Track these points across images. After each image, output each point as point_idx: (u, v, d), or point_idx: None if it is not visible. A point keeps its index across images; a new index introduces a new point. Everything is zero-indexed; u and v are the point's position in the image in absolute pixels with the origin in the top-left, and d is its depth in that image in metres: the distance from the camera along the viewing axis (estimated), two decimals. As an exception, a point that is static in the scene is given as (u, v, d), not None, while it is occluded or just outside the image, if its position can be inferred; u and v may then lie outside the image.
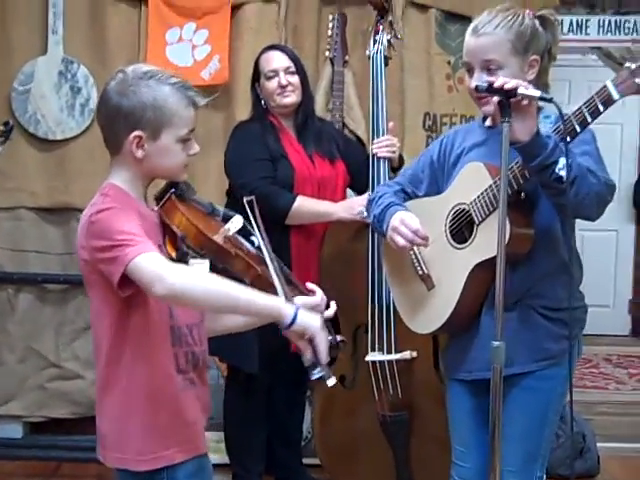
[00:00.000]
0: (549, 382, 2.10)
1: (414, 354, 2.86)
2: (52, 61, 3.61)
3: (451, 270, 2.11)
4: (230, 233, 1.77)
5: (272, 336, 2.76)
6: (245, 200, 1.85)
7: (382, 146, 2.93)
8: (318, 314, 1.69)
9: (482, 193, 2.02)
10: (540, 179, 1.90)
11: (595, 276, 6.44)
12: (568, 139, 1.85)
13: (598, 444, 3.66)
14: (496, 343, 1.80)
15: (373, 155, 2.94)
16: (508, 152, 1.80)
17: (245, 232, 1.83)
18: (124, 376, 1.71)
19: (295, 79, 2.99)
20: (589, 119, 1.85)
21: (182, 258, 1.72)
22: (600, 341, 6.30)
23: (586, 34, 3.65)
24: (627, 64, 1.82)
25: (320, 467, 3.19)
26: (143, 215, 1.71)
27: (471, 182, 2.08)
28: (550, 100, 1.82)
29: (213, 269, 1.74)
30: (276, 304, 1.65)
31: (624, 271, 6.76)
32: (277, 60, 2.99)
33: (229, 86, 3.56)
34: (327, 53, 3.35)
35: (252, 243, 1.83)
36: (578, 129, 1.86)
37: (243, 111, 3.31)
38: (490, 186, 2.00)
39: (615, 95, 1.81)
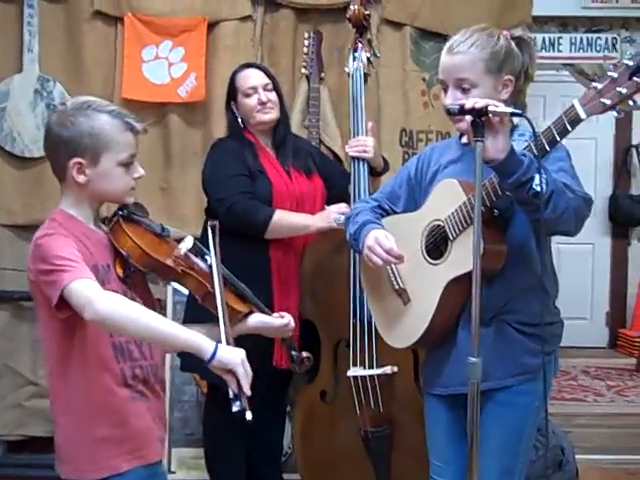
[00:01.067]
0: (526, 397, 2.10)
1: (395, 369, 2.86)
2: (28, 79, 3.60)
3: (426, 285, 2.13)
4: (181, 252, 1.86)
5: (252, 353, 2.81)
6: (209, 224, 1.94)
7: (353, 146, 2.97)
8: (240, 350, 1.74)
9: (456, 210, 2.04)
10: (517, 196, 1.91)
11: (572, 289, 6.52)
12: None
13: (577, 456, 3.67)
14: (473, 359, 1.82)
15: (351, 158, 2.98)
16: (482, 170, 1.82)
17: (200, 251, 1.92)
18: (69, 390, 1.79)
19: (273, 96, 3.01)
20: (558, 138, 1.87)
21: (129, 276, 1.83)
22: (578, 353, 6.34)
23: (559, 51, 3.69)
24: (593, 84, 1.84)
25: (300, 483, 3.19)
26: (89, 237, 1.81)
27: (445, 198, 2.09)
28: (521, 114, 1.84)
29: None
30: (197, 341, 1.71)
31: (601, 284, 6.81)
32: (255, 77, 3.00)
33: (206, 103, 3.57)
34: (303, 70, 3.38)
35: (206, 262, 1.91)
36: (548, 148, 1.88)
37: (220, 128, 3.32)
38: (464, 202, 2.02)
39: (582, 114, 1.83)
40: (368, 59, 3.04)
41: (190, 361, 2.48)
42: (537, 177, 1.85)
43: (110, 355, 1.78)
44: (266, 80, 3.01)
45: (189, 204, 3.58)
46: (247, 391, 1.71)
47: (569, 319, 6.68)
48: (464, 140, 2.21)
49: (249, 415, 1.70)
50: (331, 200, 3.09)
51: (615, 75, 1.81)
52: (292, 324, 2.05)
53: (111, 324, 1.66)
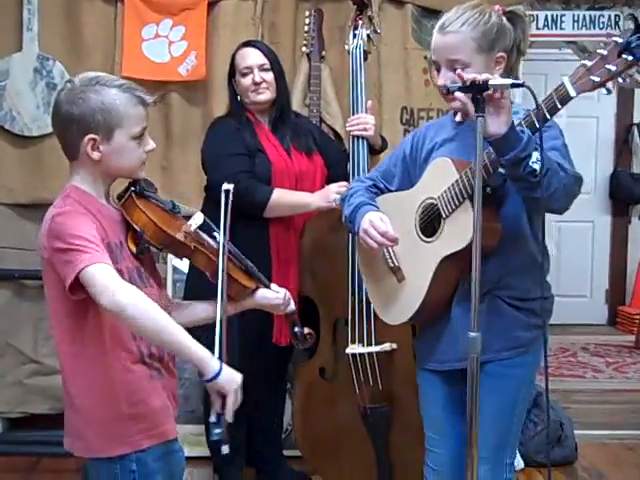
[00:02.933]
0: (519, 369, 2.14)
1: (394, 346, 2.88)
2: (27, 58, 3.59)
3: (420, 262, 2.14)
4: (191, 229, 1.85)
5: (252, 329, 2.83)
6: (224, 188, 1.92)
7: (354, 124, 2.96)
8: (238, 375, 1.75)
9: (449, 187, 2.04)
10: (513, 173, 1.90)
11: (572, 267, 6.57)
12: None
13: (576, 431, 3.71)
14: (472, 334, 1.83)
15: (351, 136, 2.97)
16: (483, 147, 1.82)
17: (209, 229, 1.92)
18: (84, 370, 1.78)
19: (269, 76, 3.00)
20: (548, 115, 1.87)
21: (142, 252, 1.83)
22: (578, 330, 6.38)
23: (561, 29, 3.67)
24: (583, 61, 1.86)
25: (301, 459, 3.21)
26: (103, 213, 1.79)
27: (439, 176, 2.10)
28: (522, 85, 1.84)
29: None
30: (206, 357, 1.71)
31: (601, 261, 6.82)
32: (251, 57, 2.99)
33: (206, 82, 3.57)
34: (304, 49, 3.37)
35: (215, 239, 1.91)
36: (537, 125, 1.87)
37: (220, 107, 3.32)
38: (457, 180, 2.02)
39: (572, 92, 1.83)
40: (368, 36, 3.03)
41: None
42: (534, 154, 1.85)
43: (126, 334, 1.77)
44: (263, 60, 2.99)
45: (189, 182, 3.58)
46: (229, 418, 1.71)
47: (569, 296, 6.75)
48: (458, 118, 2.20)
49: (225, 449, 1.71)
50: (331, 179, 3.09)
51: (604, 52, 1.82)
52: (289, 298, 2.07)
53: (128, 317, 1.64)
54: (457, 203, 2.02)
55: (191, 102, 3.59)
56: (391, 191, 2.33)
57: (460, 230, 1.95)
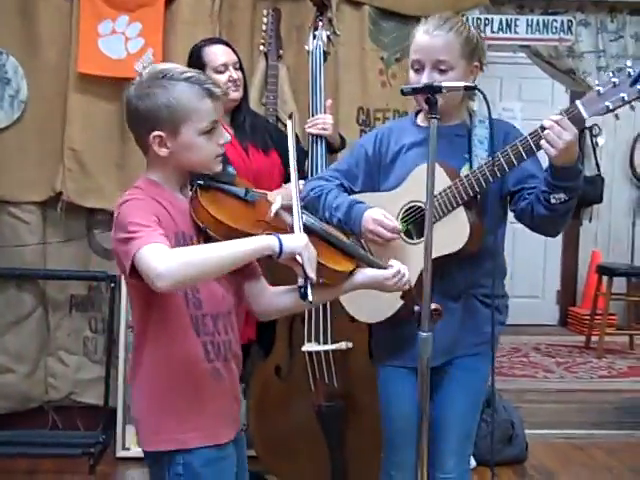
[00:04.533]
0: (484, 363, 2.22)
1: (350, 345, 2.89)
2: (-20, 52, 3.55)
3: (405, 264, 2.15)
4: (271, 215, 1.79)
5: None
6: (288, 114, 1.90)
7: (313, 124, 2.98)
8: (302, 235, 1.72)
9: (440, 193, 2.11)
10: (559, 197, 2.04)
11: (525, 268, 6.66)
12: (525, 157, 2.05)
13: (526, 431, 3.75)
14: (424, 334, 1.87)
15: (309, 135, 2.99)
16: (436, 147, 1.86)
17: (290, 207, 1.82)
18: (148, 360, 1.76)
19: (240, 74, 3.00)
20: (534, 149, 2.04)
21: None
22: (530, 331, 6.47)
23: (515, 33, 3.72)
24: (597, 87, 1.97)
25: (256, 458, 3.20)
26: (174, 205, 1.75)
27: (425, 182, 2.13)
28: (475, 88, 1.90)
29: None
30: (264, 241, 1.67)
31: (552, 263, 6.93)
32: (226, 54, 2.98)
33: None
34: (261, 47, 3.37)
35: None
36: (535, 149, 2.04)
37: (177, 104, 3.29)
38: (450, 187, 2.11)
39: (585, 114, 1.97)
40: (328, 37, 3.05)
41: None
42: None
43: (189, 328, 1.74)
44: (235, 58, 2.99)
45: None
46: (311, 274, 1.69)
47: (521, 297, 6.81)
48: (421, 122, 2.27)
49: (310, 296, 1.68)
50: (288, 177, 3.09)
51: (617, 81, 1.93)
52: (402, 274, 1.89)
53: (181, 279, 1.58)
54: (449, 208, 2.12)
55: (145, 99, 3.55)
56: (355, 192, 2.35)
57: (452, 235, 2.04)
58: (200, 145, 1.74)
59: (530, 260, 6.73)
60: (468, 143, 2.20)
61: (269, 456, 3.10)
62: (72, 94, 3.57)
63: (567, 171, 2.01)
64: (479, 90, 1.86)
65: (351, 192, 2.36)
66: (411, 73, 2.19)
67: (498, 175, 2.07)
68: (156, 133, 1.71)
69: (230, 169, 1.84)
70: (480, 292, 2.22)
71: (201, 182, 1.77)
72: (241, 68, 3.01)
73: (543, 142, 1.97)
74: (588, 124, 6.54)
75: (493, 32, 3.73)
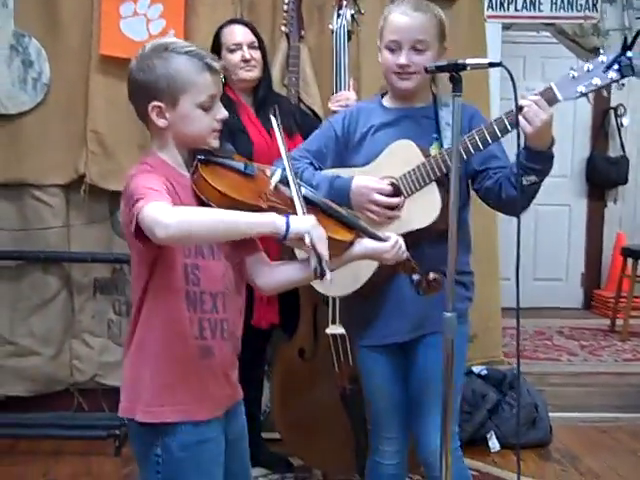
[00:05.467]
0: (458, 339, 2.17)
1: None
2: (3, 34, 3.54)
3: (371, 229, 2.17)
4: (271, 187, 1.81)
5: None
6: (270, 110, 1.97)
7: (336, 100, 2.96)
8: (309, 216, 1.74)
9: (413, 169, 2.19)
10: (530, 177, 2.10)
11: (548, 250, 6.62)
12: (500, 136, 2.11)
13: (550, 414, 3.74)
14: (448, 314, 1.88)
15: (332, 112, 2.94)
16: (460, 128, 1.86)
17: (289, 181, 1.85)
18: (141, 332, 1.78)
19: (257, 54, 2.99)
20: (509, 128, 2.10)
21: None
22: (553, 314, 6.44)
23: (539, 11, 3.68)
24: (571, 72, 2.05)
25: (279, 441, 3.22)
26: (178, 181, 1.77)
27: (399, 158, 2.21)
28: (500, 64, 1.88)
29: None
30: (270, 218, 1.69)
31: (576, 245, 6.87)
32: (241, 34, 2.98)
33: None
34: (283, 28, 3.34)
35: (299, 190, 1.83)
36: (509, 128, 2.09)
37: (199, 85, 3.29)
38: (423, 163, 2.17)
39: (559, 96, 2.05)
40: (352, 16, 3.03)
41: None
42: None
43: (182, 303, 1.75)
44: (252, 38, 2.98)
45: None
46: (324, 253, 1.71)
47: (545, 280, 6.78)
48: (387, 104, 2.34)
49: (329, 275, 1.71)
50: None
51: (591, 67, 2.01)
52: (399, 245, 1.93)
53: (185, 235, 1.60)
54: (422, 184, 2.19)
55: (169, 81, 3.54)
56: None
57: (423, 210, 2.12)
58: (197, 117, 1.78)
59: (554, 243, 6.69)
60: (436, 124, 2.26)
61: (292, 438, 3.11)
62: (94, 76, 3.57)
63: (540, 154, 2.08)
64: (504, 66, 1.84)
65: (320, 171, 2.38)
66: (386, 53, 2.26)
67: (473, 152, 2.13)
68: (155, 103, 1.75)
69: (229, 146, 1.87)
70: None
71: (201, 157, 1.80)
72: (260, 48, 2.99)
73: (521, 119, 2.02)
74: (613, 104, 6.47)
75: (517, 10, 3.69)
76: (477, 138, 2.12)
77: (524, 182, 2.10)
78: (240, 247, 1.86)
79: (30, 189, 3.64)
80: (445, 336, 1.88)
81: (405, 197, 2.21)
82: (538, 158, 2.08)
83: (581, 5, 3.67)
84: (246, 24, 3.05)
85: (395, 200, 2.22)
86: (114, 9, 3.52)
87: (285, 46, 3.40)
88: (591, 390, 4.62)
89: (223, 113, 1.82)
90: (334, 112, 2.96)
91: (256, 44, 3.00)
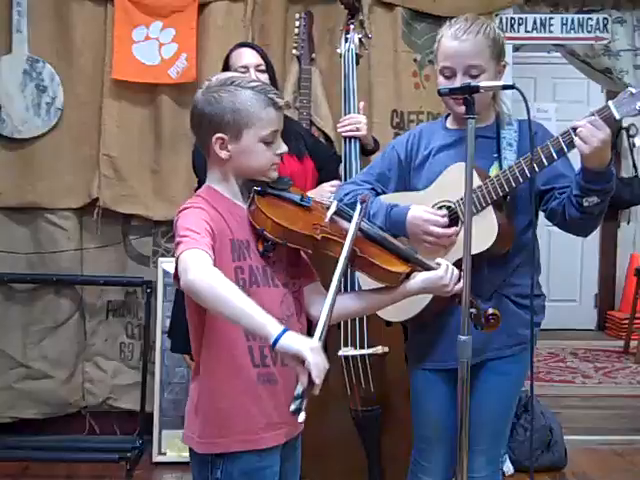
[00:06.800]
0: (519, 365, 2.23)
1: (386, 349, 2.86)
2: (17, 60, 3.58)
3: (432, 263, 2.14)
4: (326, 219, 1.82)
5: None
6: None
7: (346, 124, 2.96)
8: (310, 340, 1.60)
9: None
10: (592, 199, 2.04)
11: (562, 271, 6.57)
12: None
13: (565, 437, 3.70)
14: (463, 337, 1.85)
15: (343, 137, 2.97)
16: (474, 148, 1.85)
17: (348, 215, 1.86)
18: (202, 363, 1.80)
19: (265, 77, 2.99)
20: (565, 149, 2.02)
21: (267, 251, 1.80)
22: (567, 335, 6.39)
23: (550, 32, 3.68)
24: (629, 88, 1.97)
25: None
26: (232, 212, 1.80)
27: (456, 182, 2.09)
28: (513, 87, 1.87)
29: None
30: (263, 324, 1.58)
31: (590, 266, 6.83)
32: (248, 56, 2.99)
33: (197, 84, 3.53)
34: (294, 51, 3.35)
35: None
36: (566, 149, 2.02)
37: (211, 109, 3.30)
38: (480, 187, 2.10)
39: (617, 114, 1.97)
40: (360, 40, 3.04)
41: (180, 342, 2.45)
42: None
43: (241, 332, 1.75)
44: (259, 61, 2.99)
45: (179, 185, 3.58)
46: (316, 380, 1.55)
47: (559, 301, 6.71)
48: (449, 125, 2.28)
49: (301, 417, 1.55)
50: (322, 182, 3.08)
51: None
52: (456, 276, 1.91)
53: (197, 296, 1.61)
54: (479, 208, 2.10)
55: (181, 104, 3.57)
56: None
57: (481, 234, 2.01)
58: (259, 151, 1.80)
59: (567, 263, 6.65)
60: (497, 144, 2.20)
61: (306, 461, 3.06)
62: (107, 100, 3.61)
63: (599, 175, 2.00)
64: (517, 89, 1.84)
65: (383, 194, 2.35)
66: (441, 79, 2.18)
67: (528, 175, 2.06)
68: (219, 135, 1.78)
69: (286, 178, 1.89)
70: (513, 292, 2.20)
71: (258, 189, 1.82)
72: (269, 71, 3.00)
73: (577, 140, 1.96)
74: (625, 124, 6.45)
75: (527, 32, 3.69)
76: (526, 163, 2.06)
77: (585, 204, 2.03)
78: (296, 275, 1.87)
79: (44, 213, 3.66)
80: (460, 360, 1.86)
81: (462, 221, 2.12)
82: (597, 178, 2.01)
83: (591, 26, 3.67)
84: (254, 47, 3.06)
85: (450, 231, 2.16)
86: (127, 34, 3.55)
87: (296, 69, 3.41)
88: (606, 413, 4.58)
89: (283, 148, 1.85)
90: (347, 137, 2.97)
91: (263, 67, 3.00)
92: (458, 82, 2.10)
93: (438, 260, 1.94)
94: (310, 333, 1.91)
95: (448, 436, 2.24)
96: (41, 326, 3.68)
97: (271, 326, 1.58)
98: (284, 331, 1.57)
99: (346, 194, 2.34)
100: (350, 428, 2.90)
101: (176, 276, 1.67)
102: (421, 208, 2.19)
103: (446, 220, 2.17)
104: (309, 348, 1.56)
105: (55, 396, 3.67)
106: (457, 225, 2.16)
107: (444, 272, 1.90)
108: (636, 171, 6.52)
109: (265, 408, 1.79)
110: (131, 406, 3.70)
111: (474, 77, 2.11)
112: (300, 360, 1.55)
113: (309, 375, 1.55)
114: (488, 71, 2.13)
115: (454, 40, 2.13)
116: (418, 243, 2.19)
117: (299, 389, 1.56)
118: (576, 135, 1.96)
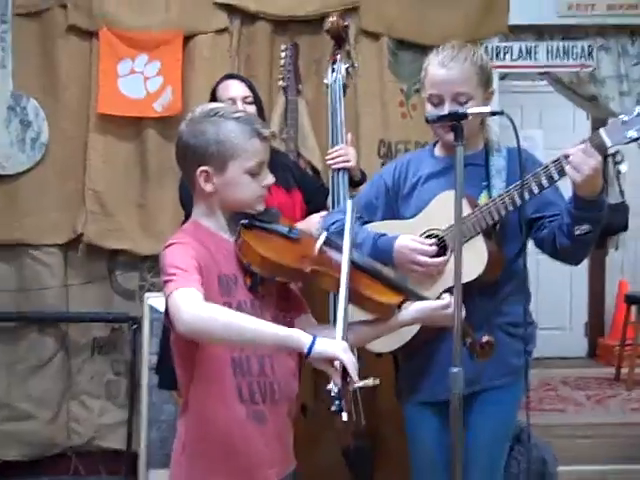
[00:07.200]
0: (512, 395, 2.21)
1: (377, 381, 2.82)
2: (1, 96, 3.56)
3: (421, 292, 2.09)
4: (315, 252, 1.79)
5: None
6: (349, 197, 1.92)
7: (334, 157, 2.94)
8: (340, 342, 1.61)
9: None
10: (583, 227, 2.02)
11: (551, 299, 6.55)
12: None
13: (558, 467, 3.65)
14: (455, 369, 1.82)
15: (332, 168, 2.94)
16: (463, 176, 1.82)
17: (337, 246, 1.82)
18: (190, 399, 1.75)
19: (252, 109, 2.97)
20: (556, 177, 2.02)
21: (255, 285, 1.77)
22: (557, 364, 6.34)
23: (535, 60, 3.70)
24: (621, 116, 1.97)
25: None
26: (219, 246, 1.76)
27: (446, 210, 2.07)
28: (502, 113, 1.86)
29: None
30: (293, 335, 1.61)
31: (579, 293, 6.82)
32: (236, 88, 2.97)
33: (182, 117, 3.50)
34: (280, 82, 3.34)
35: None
36: (557, 177, 2.02)
37: (197, 142, 3.28)
38: (469, 215, 2.08)
39: (608, 142, 1.96)
40: (347, 70, 3.03)
41: (168, 379, 2.39)
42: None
43: (228, 369, 1.72)
44: (246, 92, 2.97)
45: (166, 220, 3.55)
46: (355, 378, 1.58)
47: (548, 329, 6.69)
48: (438, 153, 2.27)
49: (345, 416, 1.55)
50: (310, 214, 3.06)
51: None
52: (451, 301, 1.88)
53: (201, 334, 1.58)
54: (468, 236, 2.08)
55: (167, 138, 3.55)
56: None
57: (470, 263, 1.97)
58: (245, 183, 1.77)
59: (556, 291, 6.63)
60: (486, 172, 2.19)
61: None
62: (92, 135, 3.59)
63: (591, 203, 1.99)
64: (506, 115, 1.83)
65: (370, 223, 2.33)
66: (429, 107, 2.17)
67: (519, 203, 2.05)
68: (203, 168, 1.74)
69: (273, 209, 1.85)
70: (503, 321, 2.18)
71: (245, 222, 1.78)
72: (256, 103, 2.99)
73: (568, 168, 1.95)
74: (611, 151, 6.48)
75: (513, 60, 3.71)
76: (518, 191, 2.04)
77: (577, 232, 2.01)
78: (286, 309, 1.83)
79: (28, 249, 3.62)
80: (452, 393, 1.82)
81: (452, 250, 2.11)
82: (588, 206, 1.99)
83: (577, 53, 3.69)
84: (242, 79, 3.05)
85: (437, 261, 2.14)
86: (112, 68, 3.54)
87: (283, 100, 3.39)
88: (598, 442, 4.53)
89: (270, 179, 1.81)
90: (336, 169, 2.95)
91: (251, 99, 2.98)
92: (446, 110, 2.09)
93: (444, 296, 1.91)
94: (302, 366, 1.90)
95: (444, 468, 2.20)
96: (26, 365, 3.63)
97: (300, 335, 1.60)
98: (315, 338, 1.60)
99: (332, 223, 2.32)
100: (341, 464, 2.86)
101: (167, 315, 1.62)
102: (409, 237, 2.17)
103: (434, 249, 2.15)
104: (341, 349, 1.59)
105: (40, 437, 3.60)
106: (446, 254, 2.15)
107: (442, 306, 1.87)
108: (623, 197, 6.54)
109: (255, 446, 1.74)
110: (117, 445, 3.64)
111: (462, 104, 2.10)
112: (333, 361, 1.58)
113: (342, 374, 1.57)
114: (476, 98, 2.12)
115: (442, 68, 2.13)
116: (406, 273, 2.17)
117: (334, 390, 1.57)
118: (568, 163, 1.95)
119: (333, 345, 1.59)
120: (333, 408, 1.55)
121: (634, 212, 6.57)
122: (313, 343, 1.59)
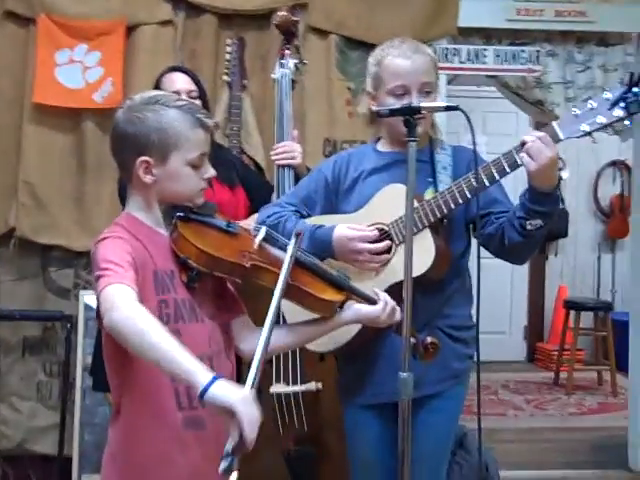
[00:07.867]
0: (454, 401, 2.19)
1: (319, 386, 2.78)
2: None
3: (363, 288, 2.06)
4: (255, 246, 1.73)
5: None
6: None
7: (279, 152, 2.89)
8: (242, 390, 1.44)
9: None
10: (535, 221, 2.00)
11: (491, 303, 6.56)
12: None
13: (500, 472, 3.65)
14: (404, 374, 1.78)
15: (277, 165, 2.89)
16: (415, 172, 1.80)
17: (278, 241, 1.79)
18: (123, 405, 1.66)
19: (197, 103, 2.90)
20: (508, 170, 2.01)
21: (192, 281, 1.69)
22: (497, 367, 6.40)
23: (483, 63, 3.71)
24: (573, 109, 1.97)
25: (220, 507, 3.06)
26: (155, 241, 1.69)
27: (391, 203, 2.08)
28: (457, 108, 1.83)
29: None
30: (194, 371, 1.43)
31: (519, 298, 6.92)
32: (180, 81, 2.90)
33: (123, 109, 3.45)
34: (225, 77, 3.29)
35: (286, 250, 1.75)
36: (508, 170, 2.00)
37: (137, 135, 3.20)
38: (416, 208, 2.03)
39: (561, 135, 1.95)
40: (296, 66, 2.98)
41: (103, 380, 2.31)
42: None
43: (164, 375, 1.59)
44: (191, 86, 2.90)
45: (103, 215, 3.46)
46: (249, 436, 1.40)
47: (488, 333, 6.74)
48: (381, 148, 2.26)
49: (233, 477, 1.40)
50: (254, 211, 2.99)
51: (595, 105, 1.92)
52: (392, 307, 1.82)
53: (121, 336, 1.48)
54: (415, 230, 2.02)
55: (106, 130, 3.43)
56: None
57: (419, 256, 1.94)
58: (186, 175, 1.69)
59: (496, 296, 6.68)
60: (432, 168, 2.17)
61: (235, 505, 2.95)
62: (27, 125, 3.48)
63: (546, 196, 1.98)
64: (462, 110, 1.80)
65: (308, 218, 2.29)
66: (390, 99, 2.13)
67: (468, 196, 2.02)
68: (143, 158, 1.66)
69: (210, 203, 1.77)
70: (445, 323, 2.15)
71: (181, 214, 1.70)
72: (201, 97, 2.92)
73: (524, 156, 1.93)
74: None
75: (461, 62, 3.71)
76: (471, 181, 2.01)
77: (529, 227, 1.99)
78: (223, 308, 1.76)
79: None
80: (401, 399, 1.78)
81: (397, 244, 2.09)
82: (543, 199, 1.97)
83: (524, 58, 3.72)
84: (187, 72, 2.98)
85: (380, 245, 2.09)
86: (49, 56, 3.44)
87: (227, 95, 3.34)
88: (539, 446, 4.59)
89: (211, 172, 1.73)
90: (281, 166, 2.89)
91: (196, 93, 2.92)
92: (415, 101, 2.06)
93: (378, 291, 1.85)
94: (240, 369, 1.81)
95: (384, 473, 2.18)
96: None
97: (200, 374, 1.42)
98: (213, 379, 1.41)
99: (269, 216, 2.27)
100: (282, 470, 2.80)
101: (98, 313, 1.54)
102: (347, 226, 2.12)
103: (376, 233, 2.10)
104: (240, 400, 1.40)
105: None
106: (391, 249, 2.11)
107: (382, 309, 1.81)
108: (563, 204, 6.63)
109: (192, 456, 1.65)
110: (49, 450, 3.53)
111: (427, 94, 2.11)
112: (230, 413, 1.40)
113: (240, 430, 1.40)
114: (435, 90, 2.14)
115: (406, 59, 2.12)
116: (349, 263, 2.11)
117: (229, 446, 1.40)
118: (523, 150, 1.93)
119: (234, 394, 1.41)
120: (221, 467, 1.39)
121: (573, 219, 6.68)
122: (208, 385, 1.40)
